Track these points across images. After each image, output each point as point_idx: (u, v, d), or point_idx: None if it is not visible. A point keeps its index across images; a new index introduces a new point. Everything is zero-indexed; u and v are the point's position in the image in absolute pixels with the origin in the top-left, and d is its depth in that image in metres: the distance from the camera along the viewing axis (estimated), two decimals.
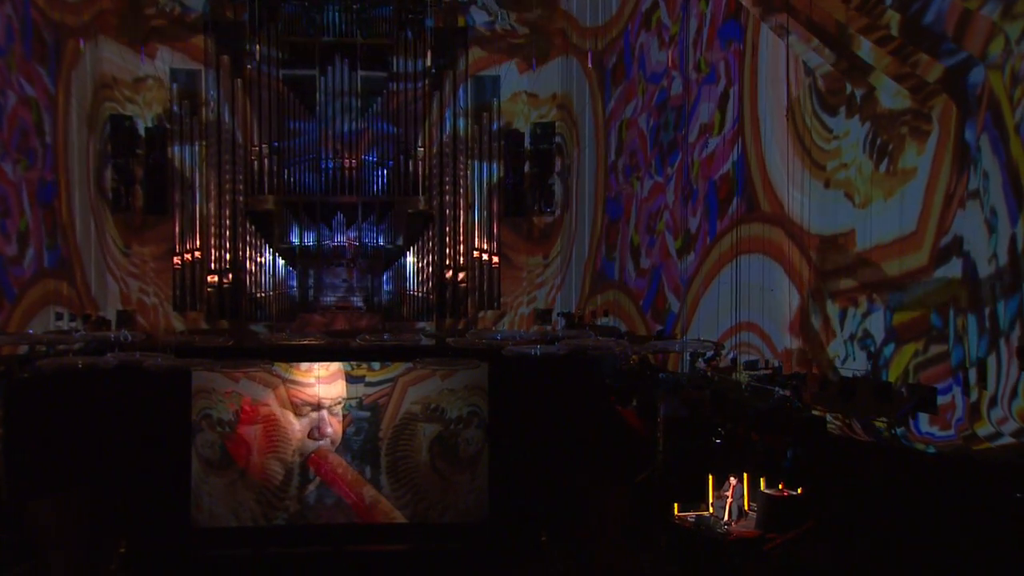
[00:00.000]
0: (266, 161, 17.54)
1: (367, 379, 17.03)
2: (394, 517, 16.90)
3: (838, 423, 9.31)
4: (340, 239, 17.51)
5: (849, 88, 9.23)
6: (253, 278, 17.26)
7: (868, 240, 8.79)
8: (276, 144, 17.59)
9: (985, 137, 7.23)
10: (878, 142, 8.65)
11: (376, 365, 16.91)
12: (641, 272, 15.25)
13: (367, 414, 17.00)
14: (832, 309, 9.51)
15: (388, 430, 16.98)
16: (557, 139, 18.57)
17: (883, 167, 8.58)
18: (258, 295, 17.33)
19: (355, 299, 17.62)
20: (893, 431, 8.33)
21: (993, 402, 7.22)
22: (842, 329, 9.35)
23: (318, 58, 17.81)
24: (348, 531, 16.81)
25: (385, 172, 17.87)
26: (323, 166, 17.57)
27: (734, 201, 11.75)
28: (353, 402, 16.99)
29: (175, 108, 17.48)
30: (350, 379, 16.95)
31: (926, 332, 8.01)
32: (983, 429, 7.34)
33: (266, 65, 17.59)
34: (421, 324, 17.75)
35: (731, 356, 12.03)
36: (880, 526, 9.07)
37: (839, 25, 9.41)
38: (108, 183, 17.50)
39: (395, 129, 17.88)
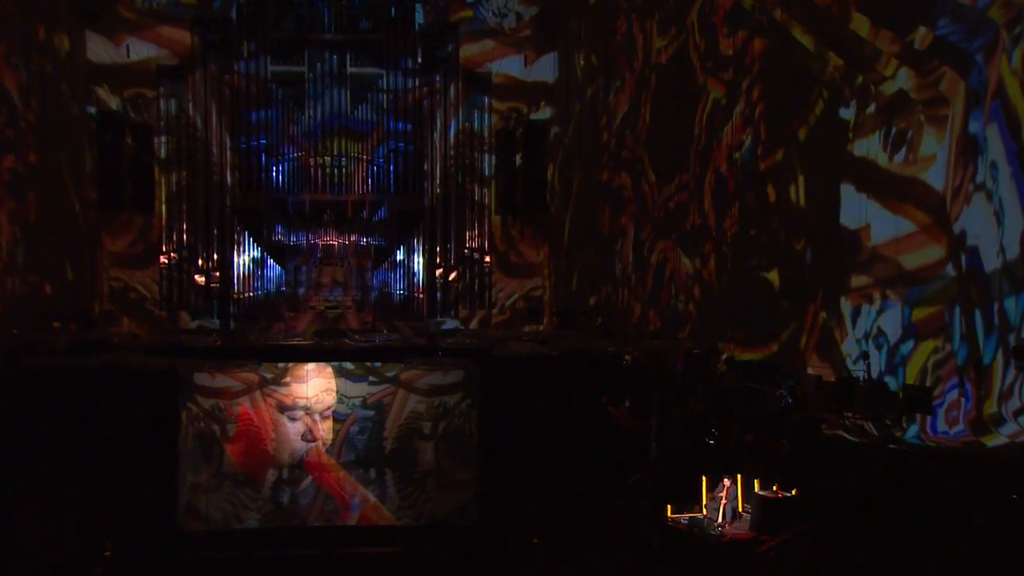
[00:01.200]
0: (252, 158, 17.36)
1: (370, 378, 16.77)
2: (389, 519, 16.70)
3: (846, 422, 9.15)
4: (329, 237, 17.33)
5: (857, 80, 9.01)
6: (238, 277, 17.07)
7: (883, 234, 8.55)
8: (264, 141, 17.41)
9: (993, 126, 7.04)
10: (893, 131, 8.39)
11: (378, 363, 16.66)
12: (643, 269, 15.07)
13: (371, 413, 16.71)
14: (845, 306, 9.29)
15: (393, 429, 16.73)
16: (555, 130, 18.38)
17: (899, 157, 8.34)
18: (246, 294, 17.12)
19: (348, 296, 17.44)
20: (891, 432, 8.20)
21: (1001, 419, 7.05)
22: (854, 327, 9.13)
23: (307, 54, 17.61)
24: (338, 533, 16.60)
25: (376, 169, 17.70)
26: (311, 162, 17.40)
27: (743, 194, 11.55)
28: (356, 401, 16.70)
29: (159, 103, 17.28)
30: (352, 378, 16.67)
31: (942, 329, 7.81)
32: (994, 441, 7.18)
33: (254, 61, 17.38)
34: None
35: (726, 357, 11.89)
36: (876, 527, 8.93)
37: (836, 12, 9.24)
38: (88, 178, 17.25)
39: (388, 126, 17.71)
